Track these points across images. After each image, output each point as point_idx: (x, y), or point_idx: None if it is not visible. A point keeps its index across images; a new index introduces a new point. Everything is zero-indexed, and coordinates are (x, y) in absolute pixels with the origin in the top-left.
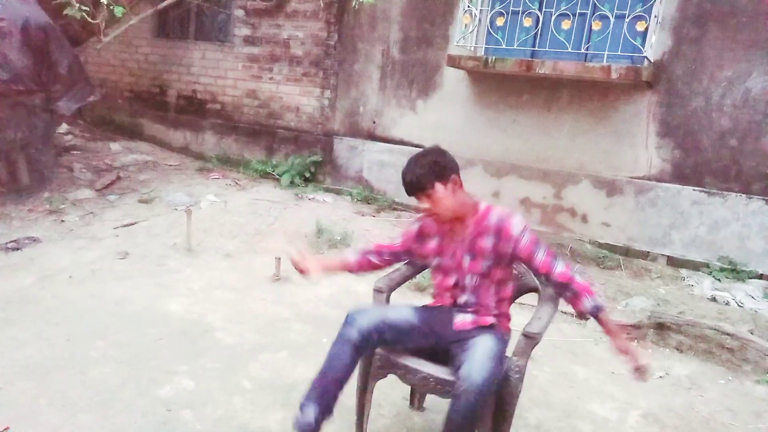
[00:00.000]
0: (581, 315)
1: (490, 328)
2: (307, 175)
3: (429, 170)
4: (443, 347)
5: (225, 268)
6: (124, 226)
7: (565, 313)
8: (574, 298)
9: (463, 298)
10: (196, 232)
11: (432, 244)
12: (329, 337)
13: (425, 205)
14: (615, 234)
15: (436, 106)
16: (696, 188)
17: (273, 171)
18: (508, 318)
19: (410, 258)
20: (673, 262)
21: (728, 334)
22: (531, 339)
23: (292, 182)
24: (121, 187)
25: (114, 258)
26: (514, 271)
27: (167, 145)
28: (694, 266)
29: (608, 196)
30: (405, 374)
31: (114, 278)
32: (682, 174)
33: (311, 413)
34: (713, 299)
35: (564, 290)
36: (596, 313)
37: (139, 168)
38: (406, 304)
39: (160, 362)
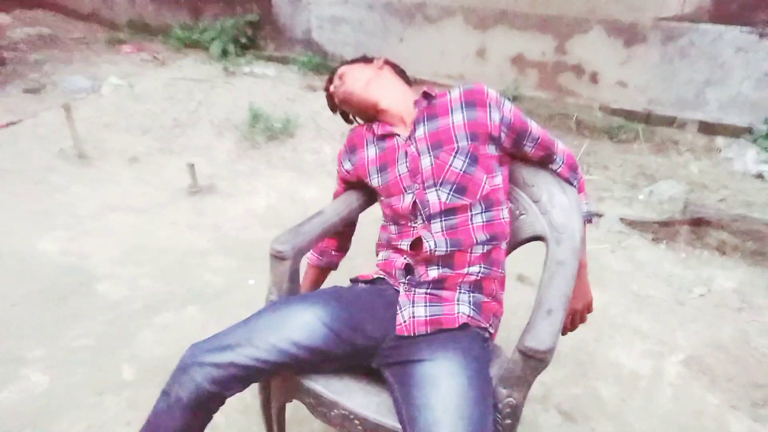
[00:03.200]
0: None
1: (460, 331)
2: (244, 40)
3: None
4: (377, 367)
5: (128, 179)
6: (1, 127)
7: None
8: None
9: (430, 242)
10: (94, 128)
11: (370, 153)
12: (259, 277)
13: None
14: (633, 96)
15: None
16: (743, 29)
17: (200, 38)
18: (501, 282)
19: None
20: (707, 128)
21: None
22: (536, 361)
23: (224, 51)
24: (5, 73)
25: None
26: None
27: (73, 13)
28: (734, 132)
29: (626, 46)
30: (316, 406)
31: None
32: (725, 11)
33: None
34: (760, 176)
35: (570, 178)
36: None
37: (32, 45)
38: (314, 296)
39: (4, 347)
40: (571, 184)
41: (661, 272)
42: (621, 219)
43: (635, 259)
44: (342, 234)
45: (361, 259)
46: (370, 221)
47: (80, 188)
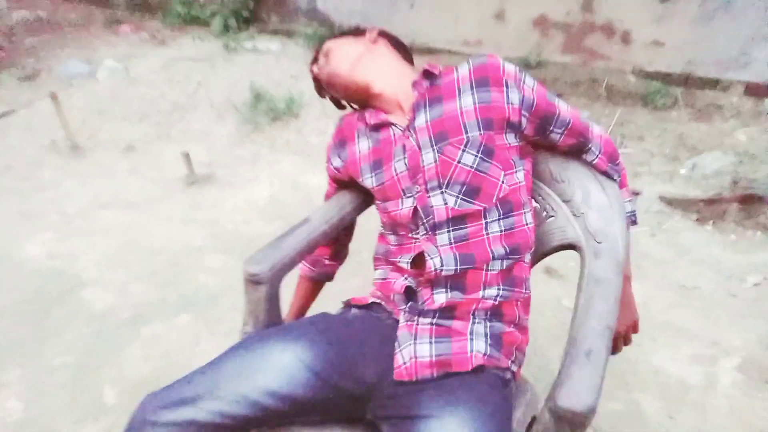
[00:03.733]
0: None
1: (474, 374)
2: (246, 14)
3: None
4: (372, 419)
5: (122, 171)
6: None
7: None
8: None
9: (434, 259)
10: (89, 116)
11: (362, 146)
12: None
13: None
14: (670, 57)
15: None
16: None
17: (200, 13)
18: (525, 305)
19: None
20: (754, 90)
21: None
22: (573, 425)
23: (225, 27)
24: None
25: None
26: (535, 204)
27: None
28: None
29: (662, 0)
30: None
31: None
32: None
33: None
34: None
35: (610, 171)
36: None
37: (28, 29)
38: (296, 330)
39: None
40: (611, 178)
41: (708, 258)
42: (660, 197)
43: (678, 243)
44: (337, 240)
45: (369, 253)
46: None
47: (71, 183)
